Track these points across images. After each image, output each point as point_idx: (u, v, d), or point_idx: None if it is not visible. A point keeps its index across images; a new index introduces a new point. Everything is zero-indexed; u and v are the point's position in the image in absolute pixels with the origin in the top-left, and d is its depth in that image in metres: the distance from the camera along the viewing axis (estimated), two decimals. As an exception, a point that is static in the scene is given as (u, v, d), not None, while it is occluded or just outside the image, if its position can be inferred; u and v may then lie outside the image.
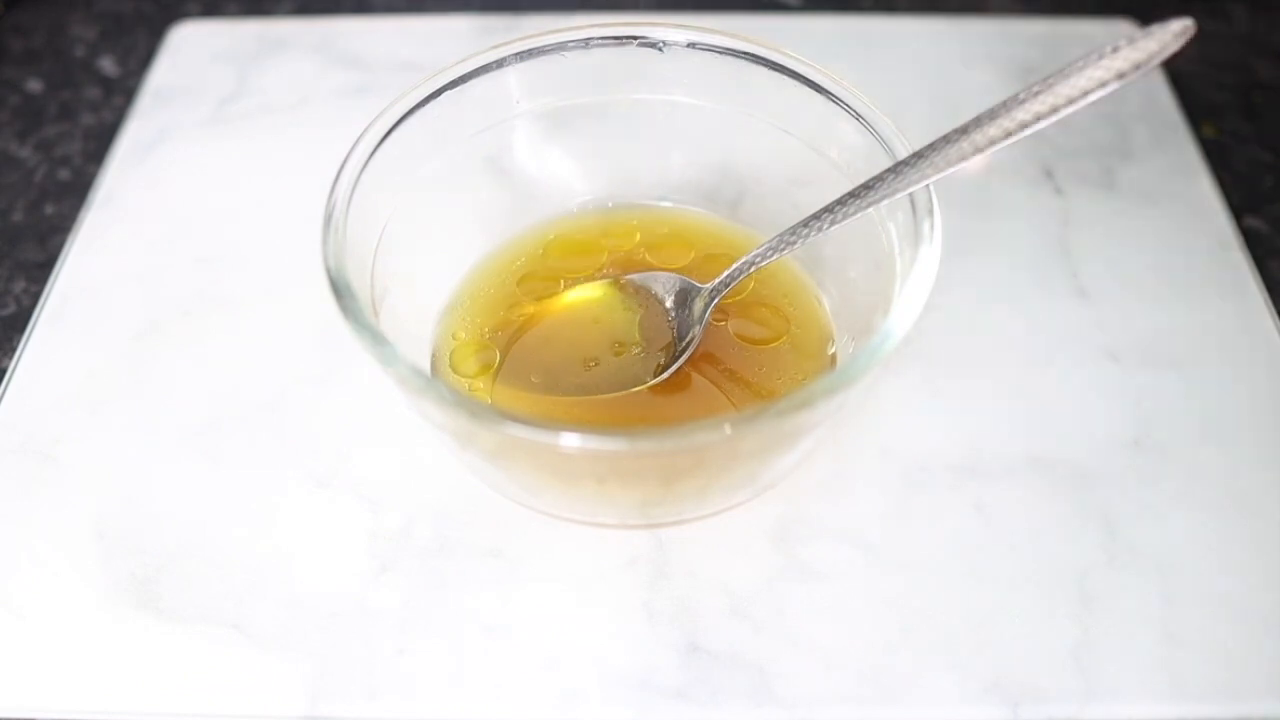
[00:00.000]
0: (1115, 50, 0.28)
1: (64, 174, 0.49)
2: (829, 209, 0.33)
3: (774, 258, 0.34)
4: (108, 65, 0.54)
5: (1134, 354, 0.40)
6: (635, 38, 0.37)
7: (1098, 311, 0.41)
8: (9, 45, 0.55)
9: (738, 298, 0.38)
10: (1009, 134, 0.29)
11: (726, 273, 0.36)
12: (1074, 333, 0.40)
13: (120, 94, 0.52)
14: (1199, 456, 0.37)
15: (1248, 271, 0.42)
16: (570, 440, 0.27)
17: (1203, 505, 0.35)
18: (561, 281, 0.39)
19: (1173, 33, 0.27)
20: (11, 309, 0.43)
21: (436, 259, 0.38)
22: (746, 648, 0.32)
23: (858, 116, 0.34)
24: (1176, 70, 0.51)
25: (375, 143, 0.33)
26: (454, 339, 0.37)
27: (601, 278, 0.39)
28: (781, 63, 0.36)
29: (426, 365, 0.37)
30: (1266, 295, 0.41)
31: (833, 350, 0.37)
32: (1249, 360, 0.39)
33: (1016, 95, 0.29)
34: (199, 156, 0.47)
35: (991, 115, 0.30)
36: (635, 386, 0.35)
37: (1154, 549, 0.34)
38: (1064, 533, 0.35)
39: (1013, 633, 0.33)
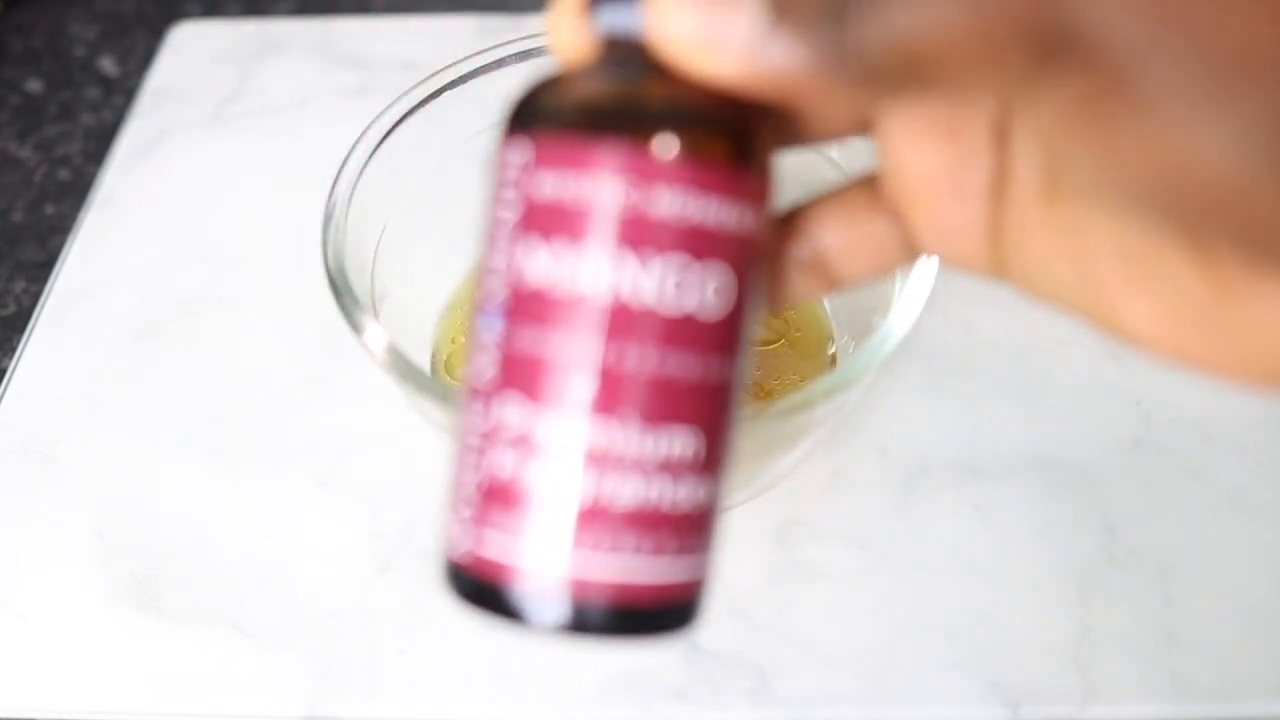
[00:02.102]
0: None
1: (64, 174, 0.49)
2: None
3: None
4: (108, 65, 0.54)
5: (1134, 354, 0.40)
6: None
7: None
8: (9, 45, 0.55)
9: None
10: None
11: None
12: (1074, 333, 0.40)
13: (120, 94, 0.52)
14: (1199, 456, 0.37)
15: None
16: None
17: (1203, 505, 0.35)
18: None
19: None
20: (11, 309, 0.43)
21: (436, 259, 0.38)
22: (746, 648, 0.32)
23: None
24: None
25: (375, 143, 0.33)
26: (453, 341, 0.37)
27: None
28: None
29: (426, 366, 0.37)
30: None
31: (833, 350, 0.37)
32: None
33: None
34: (199, 156, 0.47)
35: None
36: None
37: (1154, 549, 0.34)
38: (1064, 533, 0.35)
39: (1013, 633, 0.33)
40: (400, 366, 0.29)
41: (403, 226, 0.35)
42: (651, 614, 0.18)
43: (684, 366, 0.17)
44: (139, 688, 0.32)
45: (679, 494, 0.17)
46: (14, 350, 0.41)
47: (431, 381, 0.29)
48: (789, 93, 0.16)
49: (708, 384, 0.18)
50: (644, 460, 0.17)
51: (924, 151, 0.19)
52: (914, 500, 0.36)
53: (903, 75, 0.15)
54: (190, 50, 0.53)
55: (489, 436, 0.18)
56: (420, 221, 0.36)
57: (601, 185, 0.17)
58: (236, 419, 0.38)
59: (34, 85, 0.53)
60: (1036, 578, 0.34)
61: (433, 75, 0.35)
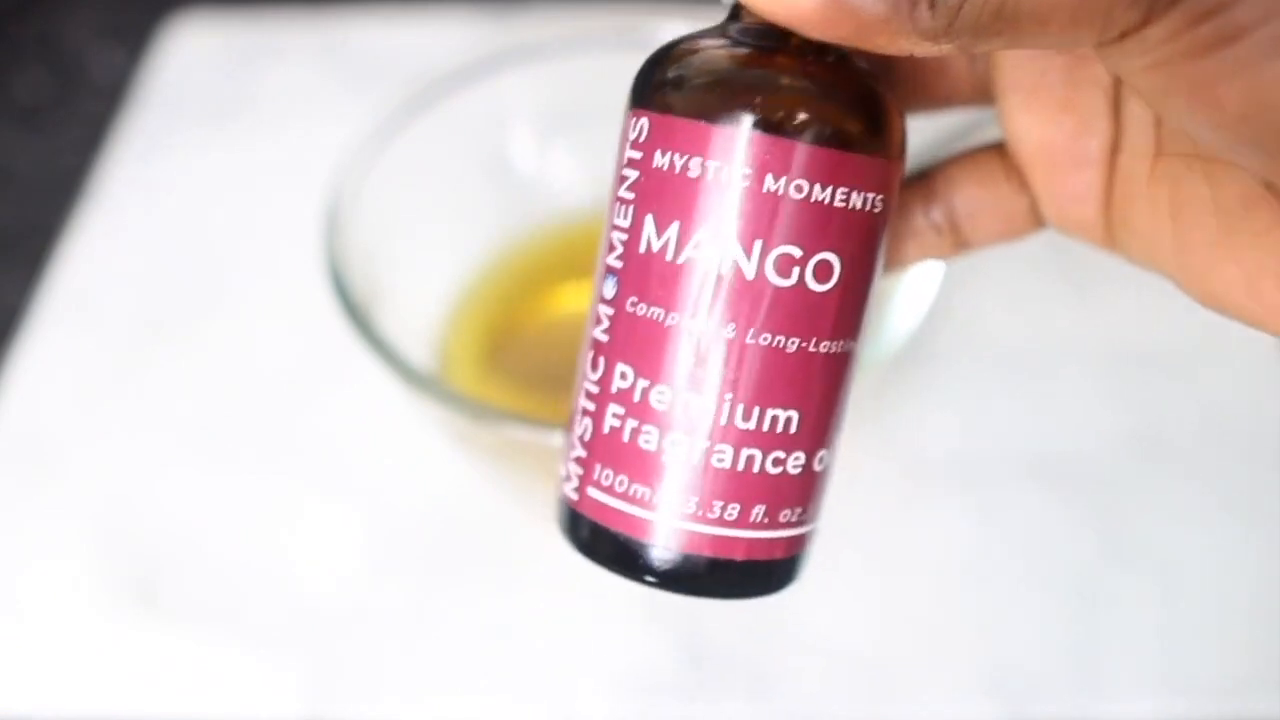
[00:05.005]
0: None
1: (63, 174, 0.48)
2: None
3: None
4: (106, 65, 0.54)
5: (1134, 354, 0.40)
6: (637, 38, 0.37)
7: (1098, 311, 0.41)
8: (8, 45, 0.55)
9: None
10: None
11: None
12: (1074, 333, 0.40)
13: (119, 94, 0.52)
14: (1199, 456, 0.37)
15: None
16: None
17: (1202, 505, 0.35)
18: (562, 283, 0.39)
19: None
20: (10, 309, 0.43)
21: (437, 259, 0.38)
22: (746, 648, 0.32)
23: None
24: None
25: (376, 142, 0.33)
26: (454, 339, 0.37)
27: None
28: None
29: (427, 365, 0.37)
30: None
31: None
32: (1248, 359, 0.39)
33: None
34: (198, 155, 0.47)
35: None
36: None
37: (1154, 549, 0.34)
38: (1064, 533, 0.35)
39: (1013, 633, 0.33)
40: (400, 367, 0.29)
41: (403, 227, 0.35)
42: (750, 571, 0.18)
43: (796, 346, 0.17)
44: (138, 688, 0.32)
45: (783, 464, 0.18)
46: (13, 351, 0.41)
47: (431, 381, 0.29)
48: (867, 41, 0.15)
49: (819, 363, 0.18)
50: (750, 433, 0.17)
51: (1042, 122, 0.19)
52: (915, 500, 0.36)
53: (996, 31, 0.14)
54: (189, 50, 0.52)
55: (603, 390, 0.18)
56: (420, 222, 0.36)
57: (716, 164, 0.17)
58: (235, 419, 0.38)
59: (33, 85, 0.53)
60: (1037, 577, 0.34)
61: (434, 75, 0.35)
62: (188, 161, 0.47)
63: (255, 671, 0.32)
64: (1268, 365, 0.39)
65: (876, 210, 0.18)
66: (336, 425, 0.38)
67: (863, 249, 0.18)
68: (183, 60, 0.52)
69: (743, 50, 0.17)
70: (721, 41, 0.18)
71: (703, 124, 0.17)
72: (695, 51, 0.18)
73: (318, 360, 0.40)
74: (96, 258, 0.44)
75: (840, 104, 0.17)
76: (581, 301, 0.38)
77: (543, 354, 0.37)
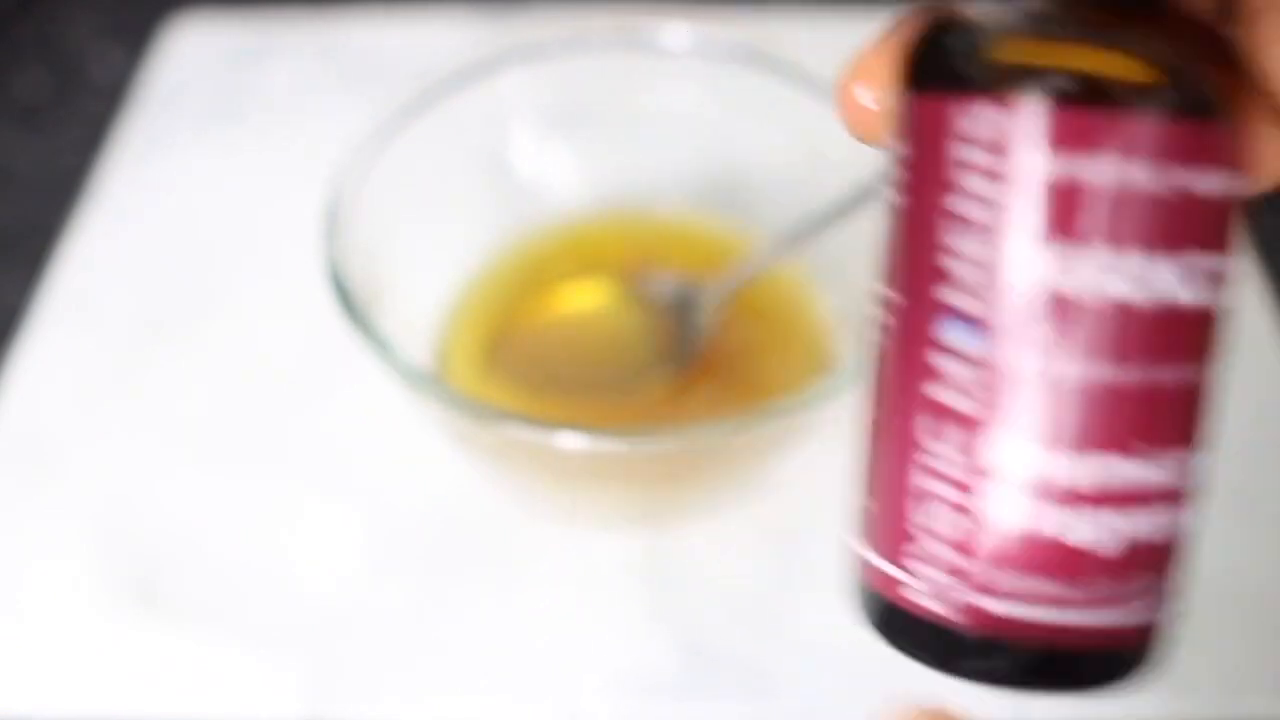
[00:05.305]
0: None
1: (63, 174, 0.48)
2: (830, 209, 0.33)
3: (776, 259, 0.34)
4: (106, 65, 0.54)
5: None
6: (637, 38, 0.37)
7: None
8: (8, 45, 0.55)
9: (739, 299, 0.38)
10: None
11: (728, 274, 0.36)
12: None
13: (119, 94, 0.52)
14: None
15: (1248, 270, 0.42)
16: (569, 440, 0.27)
17: (1202, 504, 0.35)
18: (562, 283, 0.39)
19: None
20: (10, 309, 0.43)
21: (437, 259, 0.38)
22: (746, 648, 0.32)
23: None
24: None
25: (376, 142, 0.33)
26: (454, 339, 0.37)
27: (603, 279, 0.39)
28: (782, 62, 0.36)
29: (426, 365, 0.37)
30: (1266, 294, 0.41)
31: (834, 351, 0.37)
32: (1247, 359, 0.39)
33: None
34: (198, 156, 0.47)
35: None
36: (636, 388, 0.35)
37: (1154, 549, 0.34)
38: (1064, 533, 0.35)
39: (1013, 633, 0.33)
40: (400, 367, 0.29)
41: (403, 227, 0.35)
42: (1116, 660, 0.16)
43: (1194, 377, 0.15)
44: (138, 688, 0.32)
45: (1173, 530, 0.16)
46: (12, 351, 0.41)
47: (431, 381, 0.29)
48: None
49: (1205, 397, 0.15)
50: (1151, 492, 0.15)
51: None
52: (914, 500, 0.36)
53: None
54: (189, 49, 0.52)
55: (972, 468, 0.15)
56: (420, 222, 0.36)
57: (1135, 166, 0.13)
58: (235, 419, 0.38)
59: (32, 85, 0.53)
60: (1037, 578, 0.34)
61: (435, 75, 0.35)
62: (188, 161, 0.47)
63: (255, 671, 0.32)
64: (1268, 365, 0.39)
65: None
66: (336, 425, 0.38)
67: (1233, 248, 0.15)
68: (183, 60, 0.52)
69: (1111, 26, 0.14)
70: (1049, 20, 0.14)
71: (1111, 112, 0.13)
72: (1037, 30, 0.14)
73: (318, 360, 0.40)
74: (96, 258, 0.44)
75: (1221, 70, 0.14)
76: (581, 301, 0.38)
77: (543, 354, 0.37)
